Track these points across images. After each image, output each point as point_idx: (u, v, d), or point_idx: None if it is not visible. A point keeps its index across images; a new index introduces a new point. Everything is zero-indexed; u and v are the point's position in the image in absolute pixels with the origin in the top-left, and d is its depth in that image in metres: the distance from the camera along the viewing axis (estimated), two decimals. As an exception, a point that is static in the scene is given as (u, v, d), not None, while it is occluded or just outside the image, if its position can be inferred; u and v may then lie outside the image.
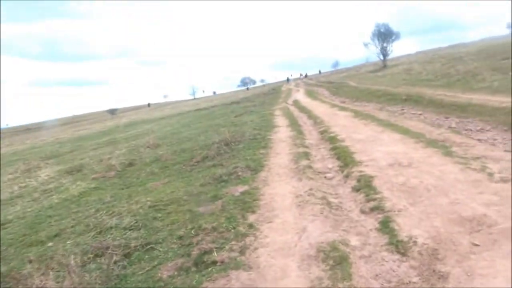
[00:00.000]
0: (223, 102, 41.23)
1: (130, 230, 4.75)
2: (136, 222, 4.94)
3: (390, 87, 21.55)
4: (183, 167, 8.53)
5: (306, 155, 6.97)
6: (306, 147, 7.85)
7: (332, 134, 8.74)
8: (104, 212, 5.87)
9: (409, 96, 14.99)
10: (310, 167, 6.12)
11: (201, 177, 6.83)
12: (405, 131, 8.04)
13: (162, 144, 13.04)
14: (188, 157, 9.37)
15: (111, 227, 4.95)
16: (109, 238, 4.56)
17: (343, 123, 10.52)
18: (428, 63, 31.42)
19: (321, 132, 9.57)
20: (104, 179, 9.27)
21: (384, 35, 46.00)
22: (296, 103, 21.45)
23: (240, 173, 6.23)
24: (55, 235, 5.23)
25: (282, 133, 10.19)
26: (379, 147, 6.77)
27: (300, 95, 28.53)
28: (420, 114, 11.65)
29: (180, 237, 4.20)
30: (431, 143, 6.71)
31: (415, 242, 3.26)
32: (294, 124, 11.69)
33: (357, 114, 12.09)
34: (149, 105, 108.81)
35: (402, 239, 3.36)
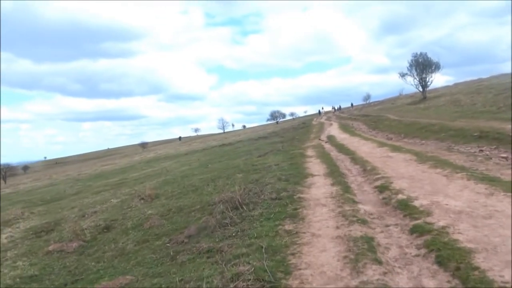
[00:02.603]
0: (250, 137, 38.69)
1: None
2: None
3: (444, 120, 18.10)
4: (166, 246, 5.49)
5: (371, 247, 3.75)
6: (364, 222, 4.63)
7: (401, 196, 5.48)
8: None
9: (483, 132, 11.52)
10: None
11: (181, 283, 3.75)
12: (532, 195, 4.70)
13: (162, 194, 10.14)
14: (180, 225, 6.37)
15: None
16: None
17: (408, 173, 7.24)
18: (476, 94, 27.81)
19: (380, 189, 6.33)
20: (59, 256, 6.39)
21: (423, 65, 42.52)
22: (331, 139, 18.23)
23: (243, 295, 3.10)
24: None
25: (319, 188, 7.01)
26: (517, 237, 3.48)
27: (334, 130, 25.30)
28: (516, 158, 8.23)
29: None
30: None
31: None
32: (334, 171, 8.47)
33: (421, 158, 8.77)
34: (180, 138, 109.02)
35: None
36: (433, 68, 41.65)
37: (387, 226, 4.56)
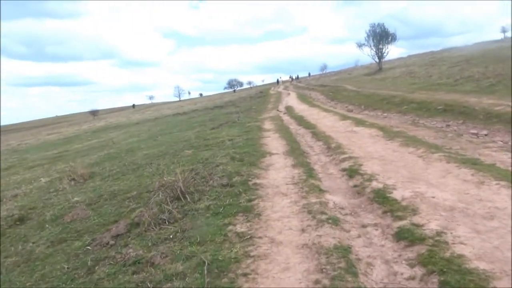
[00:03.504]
0: (206, 106, 37.13)
1: None
2: None
3: (402, 92, 17.73)
4: (86, 249, 4.29)
5: (350, 266, 2.80)
6: (336, 222, 3.68)
7: (377, 184, 4.59)
8: None
9: (448, 106, 11.02)
10: None
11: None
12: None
13: (98, 174, 8.74)
14: (109, 219, 5.14)
15: None
16: None
17: (378, 152, 6.42)
18: (430, 66, 28.07)
19: (348, 173, 5.43)
20: None
21: (380, 36, 42.55)
22: (289, 110, 17.30)
23: None
24: None
25: (278, 170, 6.01)
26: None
27: (292, 100, 24.42)
28: (486, 135, 7.70)
29: None
30: None
31: None
32: (295, 149, 7.51)
33: (388, 133, 8.01)
34: (134, 106, 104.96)
35: None
36: (389, 39, 41.79)
37: (364, 227, 3.64)
